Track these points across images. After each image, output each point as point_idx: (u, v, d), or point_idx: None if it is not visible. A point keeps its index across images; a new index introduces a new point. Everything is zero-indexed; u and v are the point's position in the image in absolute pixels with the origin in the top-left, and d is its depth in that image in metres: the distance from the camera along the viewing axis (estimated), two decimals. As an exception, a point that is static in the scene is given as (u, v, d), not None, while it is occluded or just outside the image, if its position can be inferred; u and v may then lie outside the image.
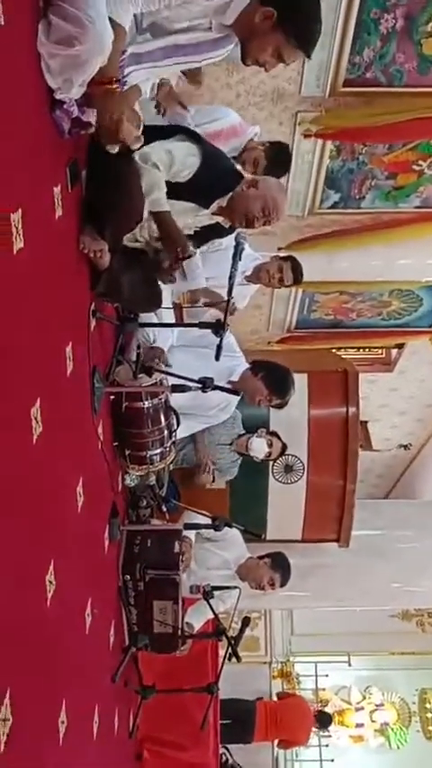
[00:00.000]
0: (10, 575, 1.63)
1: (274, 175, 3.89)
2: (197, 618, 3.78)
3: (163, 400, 3.02)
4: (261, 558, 3.99)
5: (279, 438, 4.07)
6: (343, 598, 6.01)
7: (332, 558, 5.46)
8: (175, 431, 3.12)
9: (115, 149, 2.15)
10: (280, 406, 3.69)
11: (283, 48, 2.15)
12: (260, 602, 6.29)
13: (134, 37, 2.13)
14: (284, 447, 4.08)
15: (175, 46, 2.16)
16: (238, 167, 3.71)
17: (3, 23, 1.52)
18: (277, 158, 3.89)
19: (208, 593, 3.42)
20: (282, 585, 3.98)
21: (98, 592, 2.72)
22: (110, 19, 1.85)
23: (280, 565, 3.94)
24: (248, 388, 3.57)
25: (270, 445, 4.02)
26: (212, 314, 3.74)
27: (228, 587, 3.62)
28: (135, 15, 2.02)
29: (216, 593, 3.48)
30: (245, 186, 2.76)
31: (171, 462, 3.27)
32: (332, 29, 4.61)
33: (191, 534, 3.69)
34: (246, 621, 3.60)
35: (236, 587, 3.64)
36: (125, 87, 2.09)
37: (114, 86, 1.97)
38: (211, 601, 3.42)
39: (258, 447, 4.00)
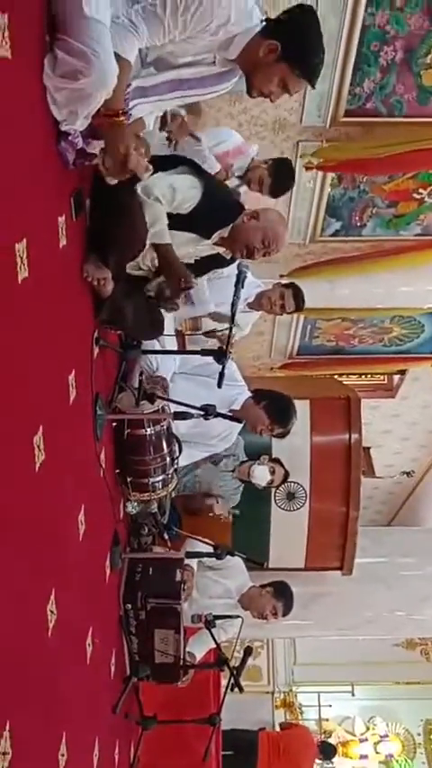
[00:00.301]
0: (11, 605, 1.62)
1: (281, 190, 3.95)
2: (199, 647, 3.75)
3: (165, 427, 3.03)
4: (263, 586, 3.96)
5: (282, 465, 4.05)
6: (346, 627, 5.95)
7: (335, 587, 5.42)
8: (177, 458, 3.11)
9: (114, 181, 2.18)
10: (282, 436, 3.68)
11: (288, 78, 2.19)
12: (262, 631, 6.23)
13: (139, 71, 2.16)
14: (287, 474, 4.06)
15: (180, 80, 2.20)
16: (243, 189, 3.78)
17: (10, 57, 1.56)
18: (281, 174, 3.93)
19: (210, 623, 3.40)
20: (284, 615, 3.94)
21: (99, 621, 2.70)
22: (115, 53, 1.89)
23: (282, 594, 3.91)
24: (250, 417, 3.56)
25: (272, 472, 4.01)
26: (215, 341, 3.76)
27: (230, 616, 3.59)
28: (140, 49, 2.06)
29: (218, 622, 3.45)
30: (245, 218, 2.80)
31: (173, 489, 3.26)
32: (333, 60, 4.67)
33: (193, 563, 3.67)
34: (248, 651, 3.58)
35: (238, 616, 3.61)
36: (130, 120, 2.12)
37: (121, 119, 2.00)
38: (212, 630, 3.39)
39: (260, 474, 3.99)
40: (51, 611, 1.95)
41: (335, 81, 4.80)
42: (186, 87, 2.23)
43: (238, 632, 3.67)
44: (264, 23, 2.15)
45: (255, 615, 3.93)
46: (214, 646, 3.55)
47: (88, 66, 1.80)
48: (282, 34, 2.12)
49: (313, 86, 2.26)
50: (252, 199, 3.85)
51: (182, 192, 2.63)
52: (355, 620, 5.83)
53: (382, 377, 7.98)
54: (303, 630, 6.10)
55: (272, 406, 3.59)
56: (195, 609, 3.68)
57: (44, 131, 1.90)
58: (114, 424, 2.91)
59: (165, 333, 3.11)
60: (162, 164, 2.70)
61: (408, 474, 9.00)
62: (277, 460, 4.08)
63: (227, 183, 3.61)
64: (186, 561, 3.43)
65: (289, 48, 2.13)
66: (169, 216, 2.64)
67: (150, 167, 2.19)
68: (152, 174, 2.52)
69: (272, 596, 3.90)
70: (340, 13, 4.50)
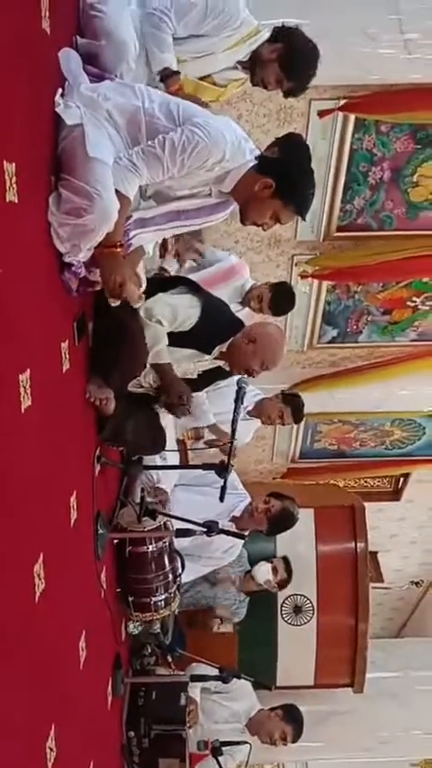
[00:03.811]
0: (8, 743, 1.55)
1: (281, 310, 4.03)
2: (205, 777, 3.54)
3: (167, 543, 2.99)
4: (272, 709, 3.79)
5: (287, 566, 3.99)
6: (360, 748, 5.63)
7: (346, 705, 5.18)
8: (179, 575, 3.05)
9: (117, 303, 2.26)
10: (281, 516, 3.65)
11: (280, 212, 2.30)
12: (272, 755, 5.90)
13: (139, 203, 2.28)
14: (289, 578, 3.99)
15: (178, 211, 2.31)
16: (244, 312, 3.87)
17: (17, 201, 1.65)
18: (281, 293, 4.01)
19: (216, 750, 3.25)
20: (294, 740, 3.75)
21: (101, 754, 2.58)
22: (116, 191, 1.99)
23: (293, 718, 3.74)
24: (248, 521, 3.55)
25: (274, 572, 3.94)
26: (215, 452, 3.76)
27: (237, 743, 3.43)
28: (140, 186, 2.17)
29: (225, 748, 3.29)
30: (244, 342, 2.87)
31: (176, 608, 3.17)
32: (324, 180, 4.92)
33: (196, 690, 3.53)
34: (257, 780, 3.38)
35: (246, 743, 3.44)
36: (130, 249, 2.21)
37: (118, 250, 2.08)
38: (220, 758, 3.23)
39: (262, 571, 3.93)
40: (50, 749, 1.87)
41: (326, 199, 5.04)
42: (184, 218, 2.34)
43: (246, 760, 3.49)
44: (257, 159, 2.27)
45: (264, 740, 3.75)
46: (221, 775, 3.36)
47: (91, 204, 1.90)
48: (276, 172, 2.23)
49: (303, 219, 2.39)
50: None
51: (182, 311, 2.72)
52: (368, 741, 5.53)
53: (385, 481, 7.91)
54: (314, 753, 5.77)
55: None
56: (201, 734, 3.51)
57: (48, 263, 1.98)
58: (116, 541, 2.87)
59: (167, 447, 3.12)
60: (161, 285, 2.80)
61: (417, 584, 8.77)
62: (285, 559, 4.02)
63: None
64: (189, 690, 3.30)
65: (283, 185, 2.24)
66: (170, 334, 2.71)
67: (143, 297, 2.26)
68: (152, 296, 2.63)
69: (281, 719, 3.73)
70: (329, 139, 4.79)
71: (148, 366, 2.71)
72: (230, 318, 2.99)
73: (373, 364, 5.98)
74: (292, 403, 3.92)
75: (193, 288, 2.87)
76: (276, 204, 2.26)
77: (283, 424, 4.04)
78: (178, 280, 2.95)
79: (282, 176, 2.22)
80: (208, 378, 3.11)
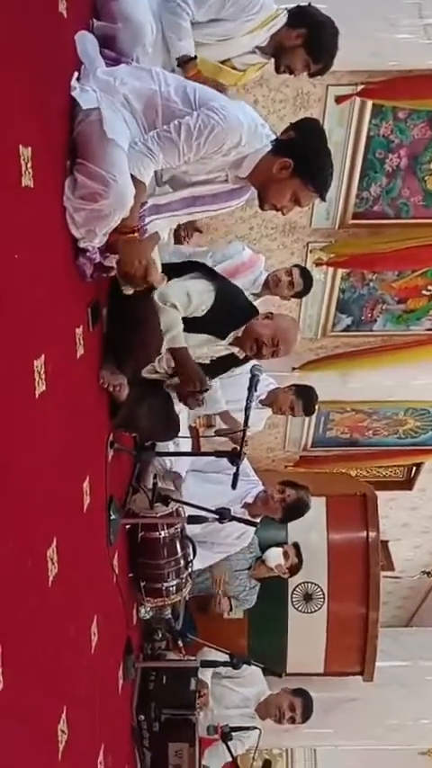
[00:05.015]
0: (21, 726, 1.57)
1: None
2: (215, 761, 3.59)
3: (179, 529, 2.99)
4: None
5: (298, 552, 3.99)
6: (369, 735, 5.65)
7: (356, 693, 5.19)
8: (191, 561, 3.06)
9: (130, 291, 2.25)
10: (296, 505, 3.64)
11: (300, 193, 2.28)
12: (282, 740, 5.94)
13: (154, 189, 2.27)
14: (299, 564, 4.00)
15: (194, 197, 2.30)
16: (257, 301, 3.85)
17: (32, 186, 1.64)
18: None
19: (226, 735, 3.26)
20: (304, 717, 3.77)
21: (112, 737, 2.60)
22: (132, 176, 1.98)
23: (300, 692, 3.78)
24: (261, 508, 3.56)
25: (285, 556, 3.94)
26: (226, 439, 3.76)
27: (247, 728, 3.44)
28: (155, 170, 2.16)
29: (235, 734, 3.31)
30: (261, 317, 2.88)
31: (187, 593, 3.19)
32: (341, 167, 4.88)
33: (207, 674, 3.55)
34: (267, 765, 3.41)
35: (255, 728, 3.46)
36: (146, 235, 2.20)
37: (135, 235, 2.08)
38: (229, 743, 3.25)
39: (273, 555, 3.93)
40: (62, 731, 1.88)
41: (343, 186, 5.00)
42: (200, 204, 2.32)
43: (256, 744, 3.52)
44: (274, 142, 2.25)
45: (273, 715, 3.78)
46: (230, 759, 3.39)
47: (107, 189, 1.89)
48: (294, 151, 2.22)
49: (323, 199, 2.36)
50: (268, 301, 3.93)
51: (197, 296, 2.71)
52: (377, 729, 5.54)
53: (398, 470, 7.89)
54: (323, 739, 5.80)
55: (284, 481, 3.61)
56: (211, 719, 3.54)
57: (63, 249, 1.98)
58: (128, 526, 2.88)
59: (179, 434, 3.12)
60: (176, 271, 2.79)
61: (428, 573, 8.75)
62: (296, 545, 4.04)
63: None
64: (200, 675, 3.32)
65: (301, 164, 2.22)
66: (185, 319, 2.71)
67: (165, 277, 2.26)
68: (167, 282, 2.62)
69: (289, 693, 3.76)
70: (346, 125, 4.74)
71: (162, 352, 2.71)
72: (245, 304, 2.98)
73: (387, 346, 5.93)
74: (304, 396, 3.89)
75: (208, 273, 2.86)
76: (296, 184, 2.24)
77: (294, 416, 4.02)
78: (193, 265, 2.93)
79: (300, 156, 2.20)
80: (221, 365, 3.10)
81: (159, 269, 2.29)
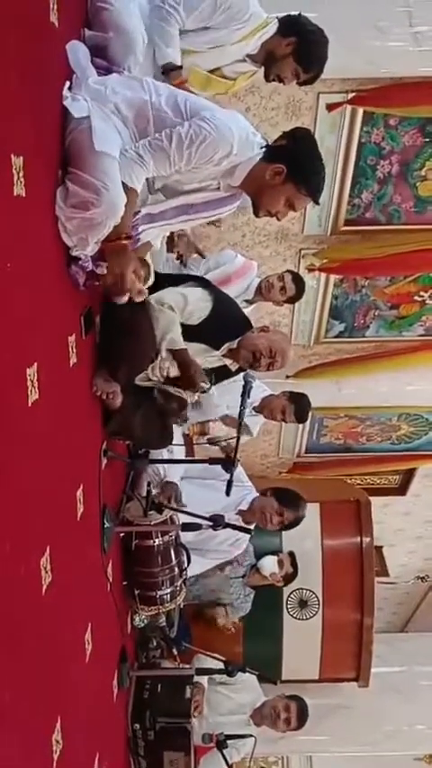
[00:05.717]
0: (14, 735, 1.56)
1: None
2: (210, 770, 3.56)
3: (173, 537, 2.99)
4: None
5: (293, 561, 3.98)
6: (365, 742, 5.64)
7: (351, 699, 5.18)
8: (185, 569, 3.06)
9: (123, 300, 2.25)
10: (292, 525, 3.59)
11: (294, 198, 2.29)
12: (277, 747, 5.91)
13: (147, 197, 2.27)
14: (294, 574, 3.98)
15: (186, 205, 2.31)
16: (248, 309, 3.86)
17: (24, 195, 1.64)
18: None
19: (221, 743, 3.26)
20: (299, 722, 3.76)
21: (106, 746, 2.59)
22: (123, 183, 1.99)
23: (296, 698, 3.78)
24: (258, 508, 3.53)
25: (280, 565, 3.93)
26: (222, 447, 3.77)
27: (242, 736, 3.43)
28: (147, 178, 2.17)
29: (230, 742, 3.30)
30: (256, 330, 2.92)
31: (182, 601, 3.18)
32: (332, 173, 4.91)
33: (203, 679, 3.54)
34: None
35: (251, 735, 3.45)
36: (138, 244, 2.21)
37: (124, 242, 2.08)
38: (224, 751, 3.24)
39: (268, 564, 3.92)
40: (57, 741, 1.88)
41: (334, 193, 5.03)
42: (193, 211, 2.33)
43: (251, 752, 3.50)
44: (264, 149, 2.27)
45: (267, 718, 3.77)
46: (226, 768, 3.38)
47: (99, 197, 1.90)
48: (286, 157, 2.24)
49: (317, 203, 2.38)
50: (261, 307, 3.94)
51: (193, 301, 2.73)
52: (373, 735, 5.53)
53: (392, 477, 7.90)
54: (319, 746, 5.78)
55: (280, 493, 3.56)
56: (206, 727, 3.53)
57: (55, 257, 1.98)
58: (122, 534, 2.88)
59: (173, 441, 3.12)
60: (172, 281, 2.81)
61: (423, 579, 8.76)
62: (291, 554, 4.02)
63: None
64: (196, 679, 3.31)
65: (294, 169, 2.24)
66: (181, 327, 2.71)
67: (146, 291, 2.24)
68: (162, 289, 2.63)
69: (284, 698, 3.76)
70: (338, 132, 4.77)
71: (157, 359, 2.71)
72: (240, 316, 3.02)
73: (380, 353, 5.95)
74: (297, 403, 3.89)
75: (204, 284, 2.88)
76: (289, 189, 2.26)
77: (285, 422, 4.02)
78: (188, 277, 2.95)
79: (292, 161, 2.22)
80: (214, 377, 3.11)
81: (152, 274, 2.30)
